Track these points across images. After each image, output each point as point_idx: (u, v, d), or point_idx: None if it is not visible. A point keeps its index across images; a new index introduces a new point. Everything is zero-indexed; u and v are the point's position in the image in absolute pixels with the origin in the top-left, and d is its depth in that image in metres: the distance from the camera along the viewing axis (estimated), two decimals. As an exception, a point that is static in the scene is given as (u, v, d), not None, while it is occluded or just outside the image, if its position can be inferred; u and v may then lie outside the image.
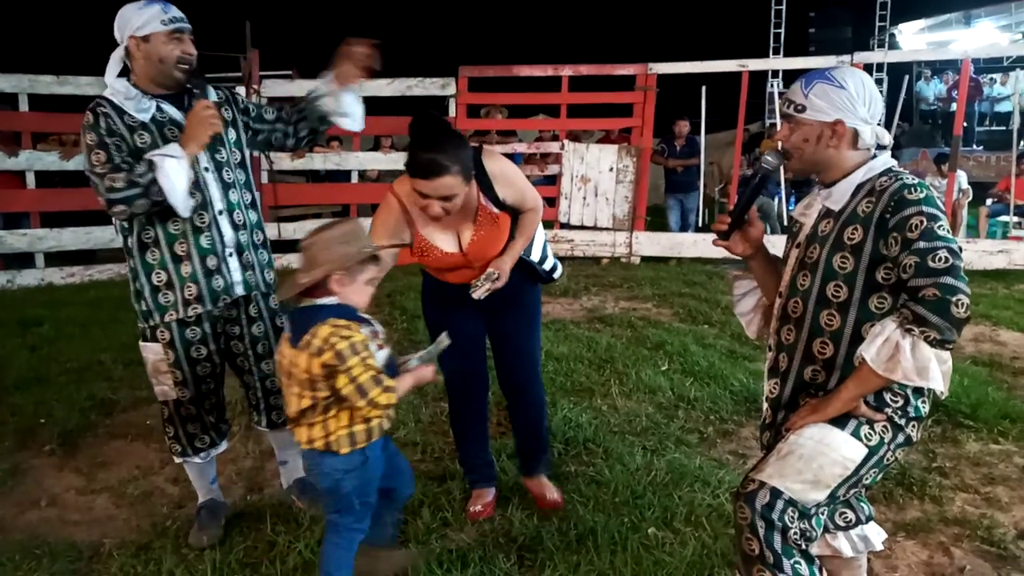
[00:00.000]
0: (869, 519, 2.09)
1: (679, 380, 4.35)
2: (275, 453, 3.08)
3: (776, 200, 9.55)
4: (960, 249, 1.65)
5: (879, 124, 1.83)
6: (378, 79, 8.47)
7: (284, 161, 8.41)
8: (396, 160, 8.12)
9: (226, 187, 2.59)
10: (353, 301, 2.06)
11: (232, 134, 2.68)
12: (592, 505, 2.88)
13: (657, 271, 7.96)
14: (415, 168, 2.32)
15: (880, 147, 1.89)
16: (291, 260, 8.16)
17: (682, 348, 4.96)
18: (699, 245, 8.40)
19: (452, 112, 8.61)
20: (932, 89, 17.18)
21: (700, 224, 9.51)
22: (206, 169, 2.54)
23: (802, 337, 1.87)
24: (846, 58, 8.22)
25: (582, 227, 8.77)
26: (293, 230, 8.29)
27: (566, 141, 8.79)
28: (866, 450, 1.76)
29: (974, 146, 15.16)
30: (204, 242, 2.54)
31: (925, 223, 1.64)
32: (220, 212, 2.56)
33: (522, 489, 3.00)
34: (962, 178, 9.73)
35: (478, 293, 2.56)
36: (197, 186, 2.49)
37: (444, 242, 2.58)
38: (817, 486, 1.77)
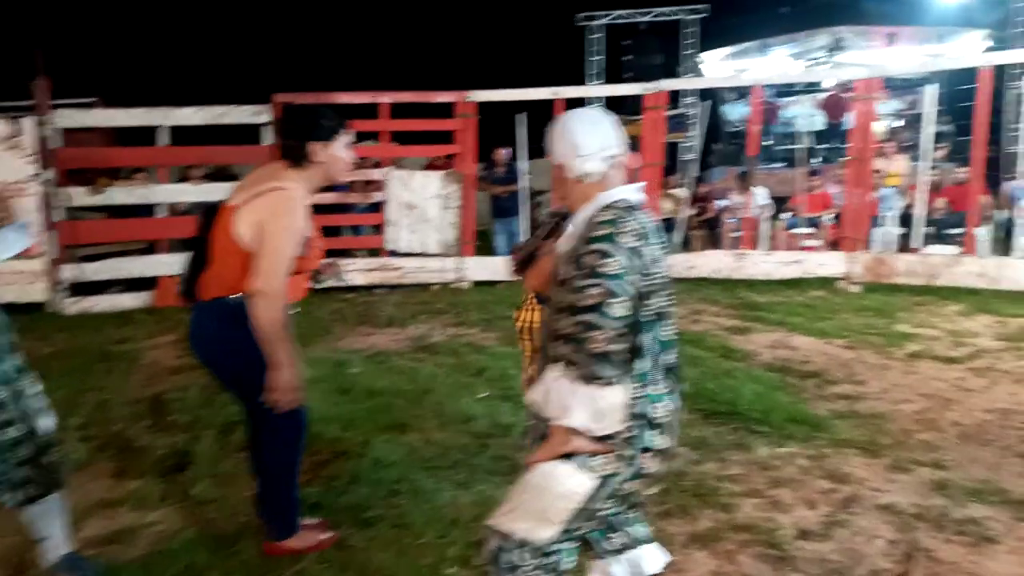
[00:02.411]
0: (645, 542, 2.13)
1: (496, 406, 4.35)
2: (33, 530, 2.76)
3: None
4: (622, 286, 1.75)
5: (612, 155, 1.94)
6: (185, 107, 8.06)
7: (81, 196, 7.76)
8: (207, 191, 7.70)
9: None
10: None
11: None
12: (395, 550, 2.80)
13: (486, 295, 8.02)
14: None
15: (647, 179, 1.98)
16: (97, 302, 7.57)
17: (502, 372, 4.99)
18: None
19: (267, 140, 8.32)
20: (737, 111, 18.62)
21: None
22: None
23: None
24: (653, 85, 8.70)
25: (411, 254, 8.71)
26: (95, 270, 7.67)
27: (389, 168, 8.71)
28: (594, 483, 1.80)
29: (777, 163, 16.53)
30: None
31: (593, 260, 1.75)
32: None
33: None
34: (762, 194, 10.54)
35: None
36: None
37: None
38: (545, 523, 1.80)
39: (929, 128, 8.41)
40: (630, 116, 15.03)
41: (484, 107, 8.76)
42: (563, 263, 1.92)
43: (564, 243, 1.99)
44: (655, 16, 17.94)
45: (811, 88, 17.07)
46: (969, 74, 8.04)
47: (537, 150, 10.66)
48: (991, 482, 3.24)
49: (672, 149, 18.44)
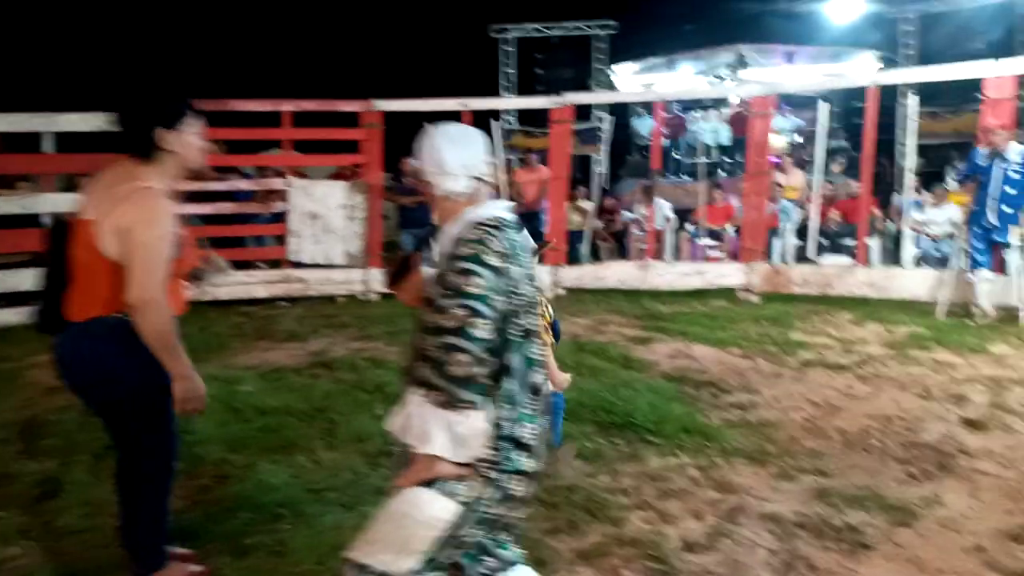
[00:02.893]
0: (515, 563, 2.08)
1: (391, 424, 4.24)
2: None
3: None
4: (486, 307, 1.70)
5: (479, 172, 1.91)
6: (71, 113, 7.64)
7: (-47, 207, 7.25)
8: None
9: None
10: None
11: None
12: (270, 579, 2.66)
13: (393, 308, 7.85)
14: None
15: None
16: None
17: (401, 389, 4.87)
18: (434, 279, 8.49)
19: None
20: (646, 125, 19.04)
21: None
22: None
23: None
24: (559, 98, 8.77)
25: (315, 266, 8.49)
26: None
27: (291, 178, 8.47)
28: (459, 509, 1.74)
29: (684, 176, 16.96)
30: None
31: (457, 280, 1.71)
32: None
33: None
34: (666, 207, 10.76)
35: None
36: None
37: None
38: (407, 553, 1.73)
39: (822, 143, 8.74)
40: (542, 129, 15.12)
41: (393, 117, 8.64)
42: (430, 282, 1.86)
43: (433, 261, 1.94)
44: (567, 30, 18.21)
45: (718, 103, 17.63)
46: (863, 92, 8.40)
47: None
48: (871, 488, 3.33)
49: (585, 162, 18.74)
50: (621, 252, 10.64)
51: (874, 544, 2.88)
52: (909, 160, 8.53)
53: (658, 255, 9.47)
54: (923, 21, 16.66)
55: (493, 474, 1.77)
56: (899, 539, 2.93)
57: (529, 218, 10.41)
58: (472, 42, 19.37)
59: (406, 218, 9.29)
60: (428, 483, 1.74)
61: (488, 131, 10.75)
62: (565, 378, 3.45)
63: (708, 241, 10.43)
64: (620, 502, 3.25)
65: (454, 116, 8.78)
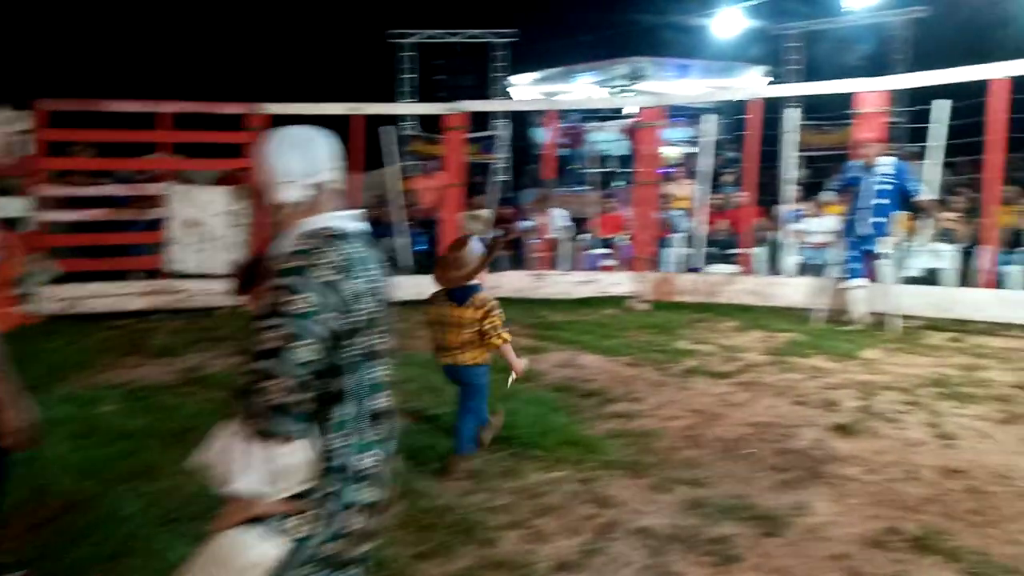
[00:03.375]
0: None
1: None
2: None
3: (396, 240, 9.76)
4: (309, 328, 1.57)
5: (320, 180, 1.78)
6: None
7: None
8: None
9: None
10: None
11: None
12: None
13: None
14: None
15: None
16: None
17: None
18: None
19: (27, 151, 7.43)
20: (541, 135, 19.22)
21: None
22: None
23: None
24: (454, 105, 8.68)
25: (197, 275, 8.07)
26: None
27: (170, 183, 8.04)
28: (283, 549, 1.61)
29: (584, 185, 17.19)
30: None
31: (277, 297, 1.58)
32: None
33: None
34: (561, 216, 10.81)
35: None
36: None
37: None
38: None
39: (708, 154, 8.97)
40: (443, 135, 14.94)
41: (282, 121, 8.34)
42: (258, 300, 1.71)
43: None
44: (467, 37, 18.16)
45: (616, 114, 17.97)
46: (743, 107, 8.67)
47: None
48: (743, 498, 3.36)
49: (487, 170, 18.70)
50: (518, 261, 10.65)
51: (743, 555, 2.89)
52: (790, 171, 8.87)
53: (554, 264, 9.51)
54: (807, 38, 17.46)
55: (324, 509, 1.63)
56: (767, 549, 2.95)
57: (428, 225, 10.27)
58: (374, 47, 19.06)
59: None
60: (250, 522, 1.58)
61: (383, 137, 10.60)
62: (524, 364, 3.99)
63: (601, 250, 10.55)
64: (495, 521, 3.16)
65: (344, 121, 8.55)
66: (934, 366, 5.72)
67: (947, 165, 12.02)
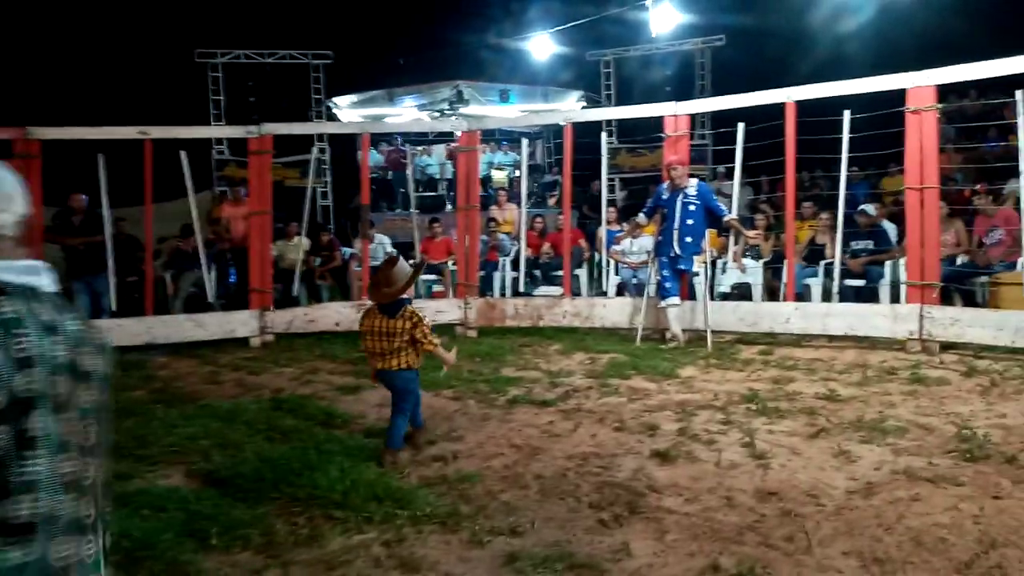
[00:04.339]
0: None
1: None
2: None
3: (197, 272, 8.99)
4: None
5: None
6: None
7: None
8: None
9: None
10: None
11: None
12: None
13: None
14: None
15: None
16: None
17: None
18: (117, 332, 7.36)
19: None
20: (373, 159, 18.76)
21: (114, 308, 8.34)
22: None
23: None
24: (256, 128, 8.10)
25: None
26: None
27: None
28: None
29: (412, 209, 16.88)
30: None
31: None
32: None
33: None
34: (385, 242, 10.45)
35: None
36: None
37: None
38: None
39: (525, 178, 8.94)
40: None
41: (59, 147, 7.44)
42: None
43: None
44: (281, 58, 17.42)
45: (443, 138, 17.85)
46: (576, 129, 8.68)
47: (128, 196, 9.52)
48: (560, 545, 3.14)
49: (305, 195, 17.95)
50: (342, 291, 10.15)
51: (560, 614, 2.66)
52: (605, 194, 9.06)
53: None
54: (618, 64, 18.21)
55: None
56: (586, 603, 2.73)
57: (239, 255, 9.54)
58: (182, 68, 17.82)
59: (76, 262, 7.99)
60: None
61: (183, 162, 9.83)
62: (453, 354, 4.65)
63: (429, 276, 10.27)
64: (283, 604, 2.74)
65: (133, 145, 7.76)
66: (746, 381, 5.87)
67: (750, 184, 12.88)
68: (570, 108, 16.35)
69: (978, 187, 8.40)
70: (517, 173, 17.15)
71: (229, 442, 4.60)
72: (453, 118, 14.94)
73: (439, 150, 18.52)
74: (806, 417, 4.79)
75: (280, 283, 9.70)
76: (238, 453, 4.36)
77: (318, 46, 17.66)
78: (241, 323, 7.91)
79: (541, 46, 17.54)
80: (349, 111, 18.09)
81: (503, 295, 9.31)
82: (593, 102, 17.55)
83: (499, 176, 17.34)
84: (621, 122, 16.35)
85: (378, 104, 18.12)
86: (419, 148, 18.05)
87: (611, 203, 12.41)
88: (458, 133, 15.91)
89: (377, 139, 17.20)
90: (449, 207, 15.38)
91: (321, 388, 6.13)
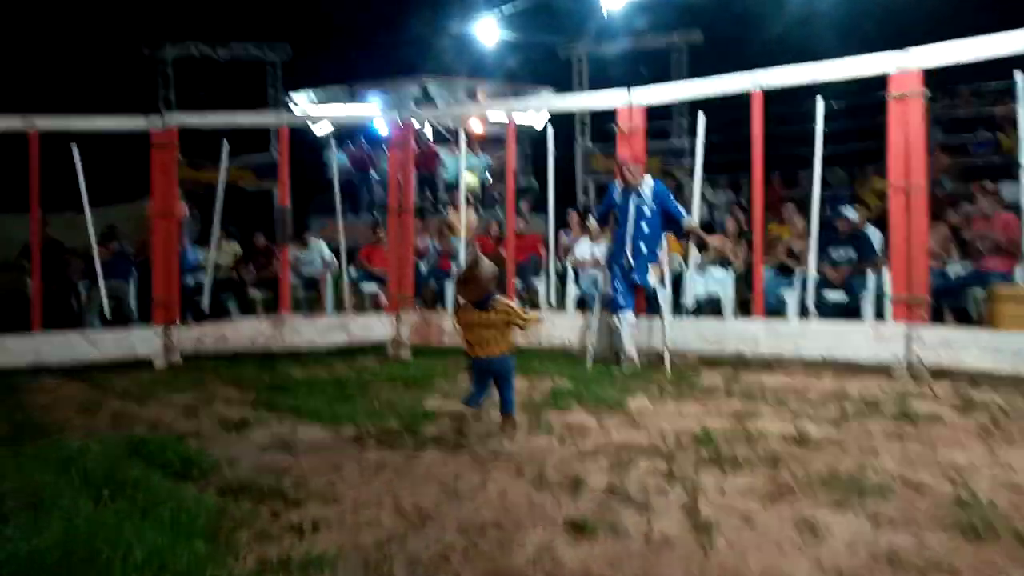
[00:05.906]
0: None
1: None
2: None
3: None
4: None
5: None
6: None
7: None
8: None
9: None
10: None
11: None
12: None
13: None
14: None
15: None
16: None
17: None
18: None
19: None
20: (337, 159, 17.84)
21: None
22: None
23: None
24: (159, 119, 7.18)
25: None
26: None
27: None
28: None
29: (374, 214, 16.00)
30: None
31: None
32: None
33: None
34: (322, 248, 9.52)
35: None
36: None
37: None
38: None
39: (500, 180, 8.02)
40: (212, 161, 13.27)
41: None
42: None
43: None
44: (236, 52, 16.48)
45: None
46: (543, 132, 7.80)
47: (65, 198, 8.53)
48: None
49: (266, 198, 17.03)
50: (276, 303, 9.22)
51: None
52: (584, 194, 8.16)
53: (316, 305, 8.19)
54: (592, 60, 17.36)
55: None
56: None
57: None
58: (130, 62, 16.86)
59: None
60: None
61: (76, 157, 8.86)
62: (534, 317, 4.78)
63: (373, 287, 9.37)
64: None
65: (18, 138, 6.83)
66: (704, 416, 4.98)
67: (731, 186, 12.01)
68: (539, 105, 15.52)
69: (983, 185, 7.53)
70: (488, 177, 16.30)
71: (44, 500, 3.66)
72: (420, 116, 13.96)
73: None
74: (767, 469, 3.90)
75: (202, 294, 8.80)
76: (41, 519, 3.43)
77: (275, 39, 16.74)
78: (142, 341, 6.97)
79: (509, 42, 16.69)
80: (309, 107, 17.19)
81: (434, 309, 8.35)
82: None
83: (470, 179, 16.55)
84: (598, 125, 15.56)
85: (340, 100, 17.23)
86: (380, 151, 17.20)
87: (584, 208, 11.57)
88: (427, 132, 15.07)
89: (342, 139, 16.34)
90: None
91: (205, 424, 5.22)
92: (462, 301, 4.64)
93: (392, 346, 7.17)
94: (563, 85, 17.10)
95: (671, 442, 4.41)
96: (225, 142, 7.28)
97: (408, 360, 6.99)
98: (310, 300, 9.25)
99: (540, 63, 17.80)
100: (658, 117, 9.46)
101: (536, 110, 9.69)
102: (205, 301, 7.53)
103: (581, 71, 17.41)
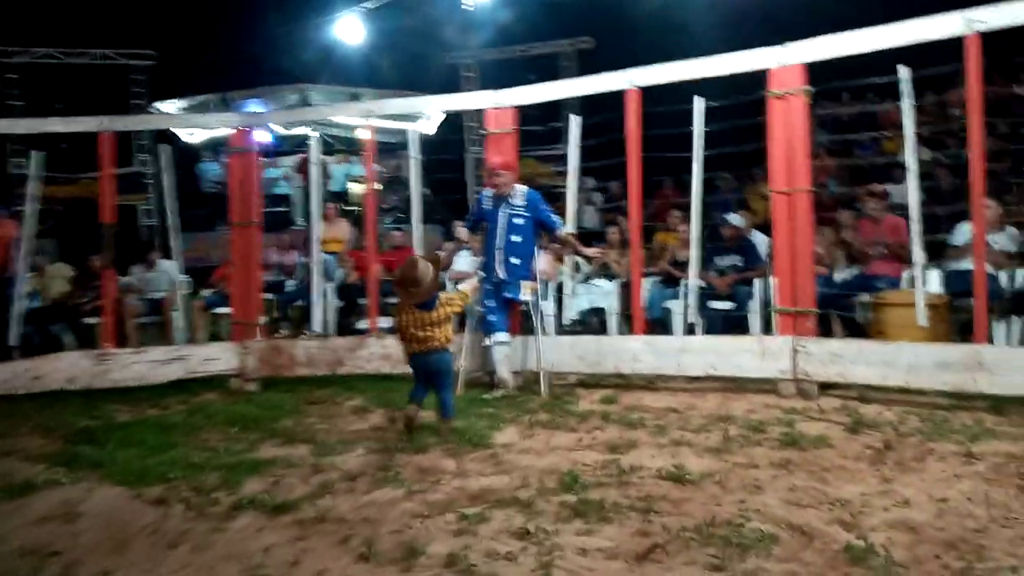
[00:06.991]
0: None
1: None
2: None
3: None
4: None
5: None
6: None
7: None
8: None
9: None
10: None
11: None
12: None
13: None
14: None
15: None
16: None
17: None
18: None
19: None
20: (211, 170, 16.70)
21: None
22: None
23: None
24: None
25: None
26: None
27: None
28: None
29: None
30: None
31: None
32: None
33: None
34: (171, 268, 8.54)
35: None
36: None
37: None
38: None
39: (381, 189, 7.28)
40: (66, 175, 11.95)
41: None
42: None
43: None
44: (92, 58, 15.16)
45: (294, 150, 16.05)
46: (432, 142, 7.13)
47: None
48: None
49: (130, 212, 15.72)
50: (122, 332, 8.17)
51: None
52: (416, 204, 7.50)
53: (166, 333, 7.23)
54: (482, 68, 16.86)
55: None
56: None
57: (2, 285, 7.58)
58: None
59: None
60: None
61: None
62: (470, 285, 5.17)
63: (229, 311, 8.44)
64: None
65: None
66: (575, 449, 4.40)
67: (600, 189, 11.63)
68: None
69: (870, 188, 7.29)
70: (377, 186, 15.50)
71: None
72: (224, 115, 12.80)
73: (288, 162, 16.72)
74: (638, 518, 3.32)
75: (34, 324, 7.72)
76: None
77: (138, 45, 15.49)
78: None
79: (391, 48, 16.01)
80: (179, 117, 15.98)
81: (325, 333, 7.50)
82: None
83: (357, 190, 15.76)
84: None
85: (212, 109, 16.11)
86: (264, 160, 16.16)
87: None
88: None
89: (222, 150, 15.28)
90: (301, 222, 13.66)
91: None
92: (405, 305, 4.56)
93: (237, 380, 6.32)
94: (452, 92, 16.52)
95: (534, 486, 3.79)
96: (34, 153, 6.27)
97: (256, 393, 6.17)
98: (159, 326, 8.26)
99: (429, 72, 17.17)
100: (551, 120, 8.97)
101: (392, 112, 8.97)
102: (13, 334, 6.45)
103: (470, 80, 16.86)
